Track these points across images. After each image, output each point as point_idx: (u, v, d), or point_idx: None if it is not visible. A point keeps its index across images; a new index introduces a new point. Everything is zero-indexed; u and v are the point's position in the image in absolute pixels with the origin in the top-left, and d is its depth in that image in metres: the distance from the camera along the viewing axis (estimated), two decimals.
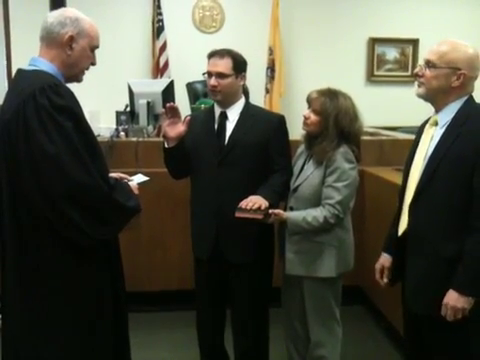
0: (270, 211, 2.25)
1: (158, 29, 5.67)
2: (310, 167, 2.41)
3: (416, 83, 2.01)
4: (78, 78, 1.92)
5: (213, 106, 2.51)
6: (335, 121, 2.33)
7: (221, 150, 2.41)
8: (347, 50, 6.04)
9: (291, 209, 2.42)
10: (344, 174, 2.32)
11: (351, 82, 5.32)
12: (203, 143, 2.44)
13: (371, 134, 4.36)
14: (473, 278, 1.84)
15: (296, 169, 2.48)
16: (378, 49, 6.16)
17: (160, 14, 5.66)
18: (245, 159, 2.39)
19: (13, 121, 1.72)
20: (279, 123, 2.48)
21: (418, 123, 2.15)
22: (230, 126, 2.44)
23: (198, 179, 2.49)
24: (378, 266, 2.23)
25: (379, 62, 6.20)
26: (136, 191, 1.99)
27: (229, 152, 2.40)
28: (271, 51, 5.81)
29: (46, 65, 1.82)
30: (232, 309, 2.61)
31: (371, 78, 6.19)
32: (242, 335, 2.61)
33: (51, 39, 1.82)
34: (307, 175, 2.40)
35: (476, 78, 1.96)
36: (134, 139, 3.65)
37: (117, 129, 3.84)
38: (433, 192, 1.91)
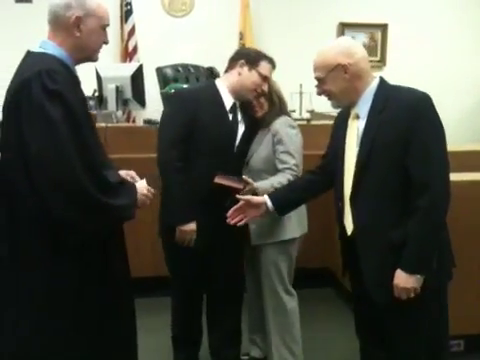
0: (244, 177, 2.32)
1: (126, 13, 5.60)
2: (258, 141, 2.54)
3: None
4: (92, 58, 1.91)
5: (216, 89, 2.49)
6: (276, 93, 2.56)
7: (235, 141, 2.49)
8: (317, 35, 6.01)
9: None
10: (291, 140, 2.47)
11: None
12: (219, 134, 2.44)
13: None
14: (418, 256, 1.86)
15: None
16: (347, 34, 6.17)
17: None
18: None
19: (11, 106, 1.71)
20: None
21: None
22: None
23: (204, 166, 2.41)
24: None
25: None
26: (144, 191, 1.96)
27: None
28: (241, 36, 5.79)
29: (54, 49, 1.81)
30: (207, 294, 2.67)
31: None
32: (218, 321, 2.67)
33: (58, 22, 1.81)
34: (255, 148, 2.52)
35: (363, 60, 1.97)
36: (103, 124, 3.60)
37: None
38: (370, 182, 1.92)
